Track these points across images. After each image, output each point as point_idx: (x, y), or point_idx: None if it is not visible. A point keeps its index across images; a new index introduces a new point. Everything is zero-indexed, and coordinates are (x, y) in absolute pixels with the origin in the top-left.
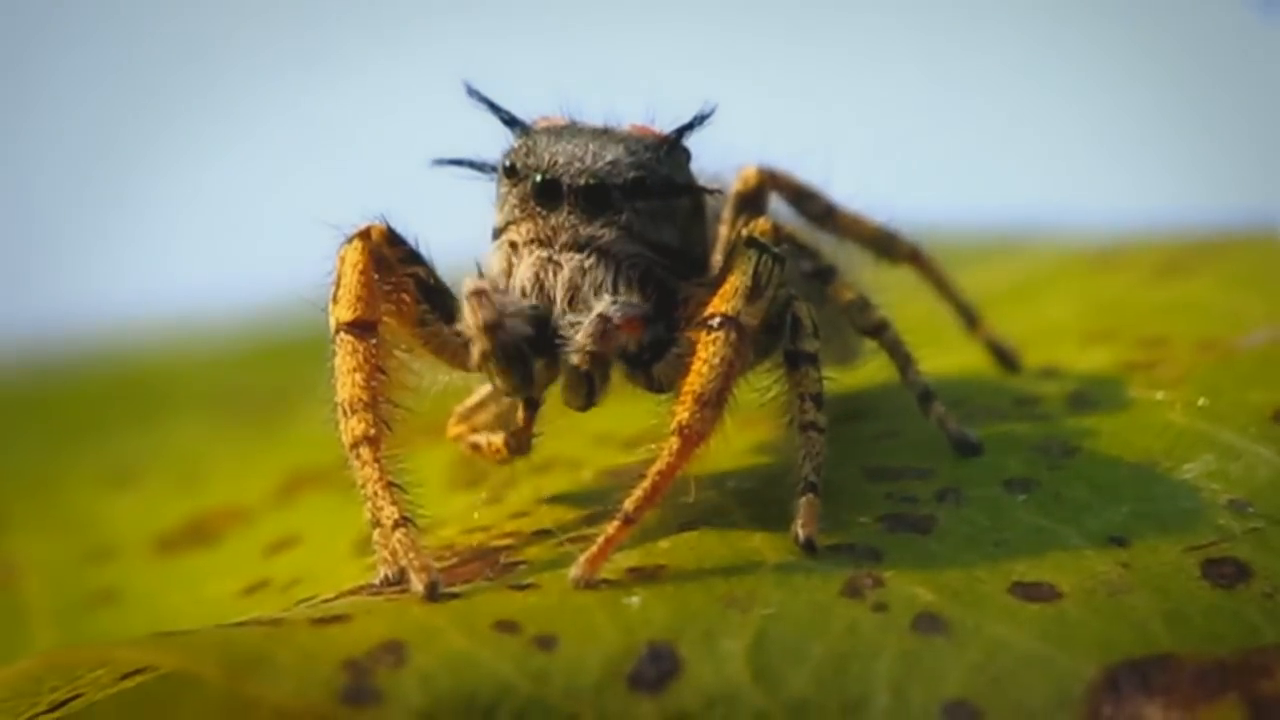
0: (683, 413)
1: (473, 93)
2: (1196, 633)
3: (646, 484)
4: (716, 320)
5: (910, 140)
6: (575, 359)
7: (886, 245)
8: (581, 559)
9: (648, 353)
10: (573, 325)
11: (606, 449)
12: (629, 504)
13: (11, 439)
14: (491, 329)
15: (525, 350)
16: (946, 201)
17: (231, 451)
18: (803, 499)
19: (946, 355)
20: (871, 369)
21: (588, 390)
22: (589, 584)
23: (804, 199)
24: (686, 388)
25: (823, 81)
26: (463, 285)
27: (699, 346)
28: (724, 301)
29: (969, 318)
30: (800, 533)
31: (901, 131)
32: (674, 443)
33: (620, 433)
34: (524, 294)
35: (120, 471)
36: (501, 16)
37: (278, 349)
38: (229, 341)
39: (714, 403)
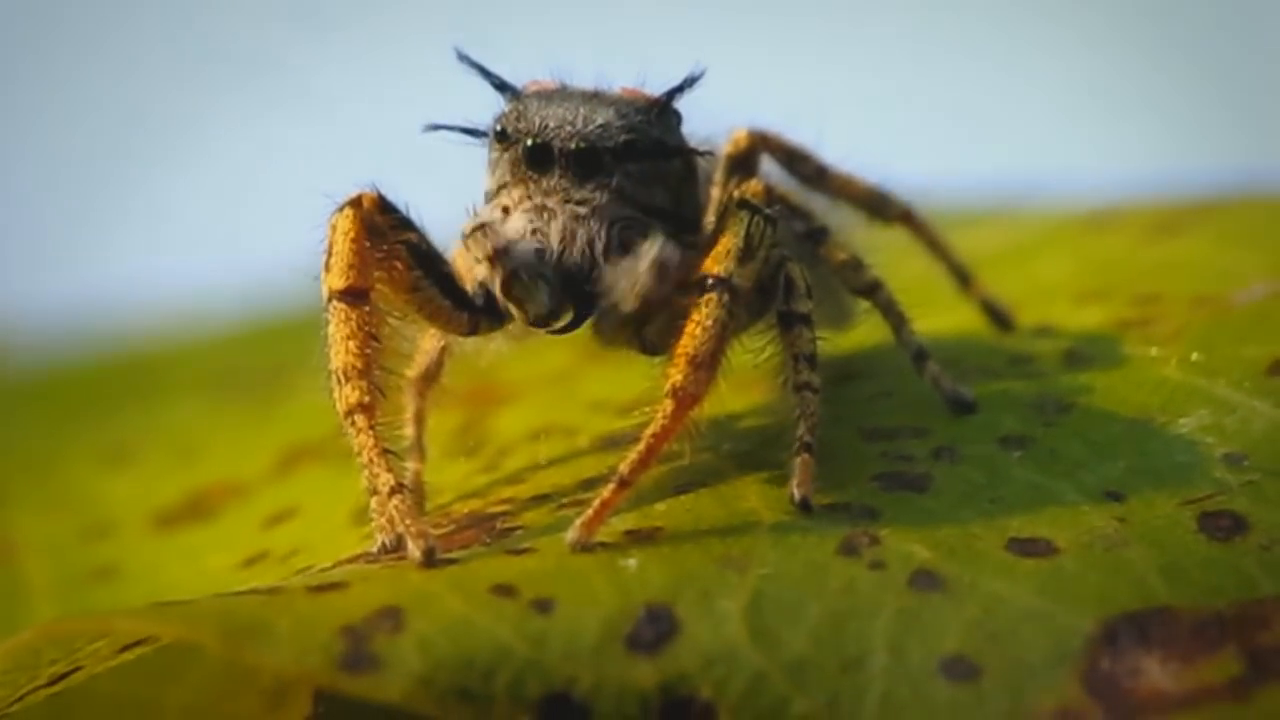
0: (676, 375)
1: (463, 58)
2: (1194, 586)
3: (641, 447)
4: (709, 282)
5: (901, 107)
6: (628, 305)
7: (878, 206)
8: (577, 522)
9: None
10: (610, 273)
11: (602, 415)
12: (624, 467)
13: (11, 419)
14: (502, 254)
15: (544, 273)
16: (938, 168)
17: (228, 428)
18: (798, 459)
19: (941, 315)
20: (868, 330)
21: (637, 328)
22: (585, 547)
23: (795, 160)
24: (680, 350)
25: (816, 49)
26: (461, 230)
27: (692, 309)
28: (716, 263)
29: (962, 277)
30: (796, 492)
31: (892, 98)
32: (668, 405)
33: (615, 399)
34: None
35: (118, 449)
36: None
37: (274, 328)
38: (226, 323)
39: (707, 364)
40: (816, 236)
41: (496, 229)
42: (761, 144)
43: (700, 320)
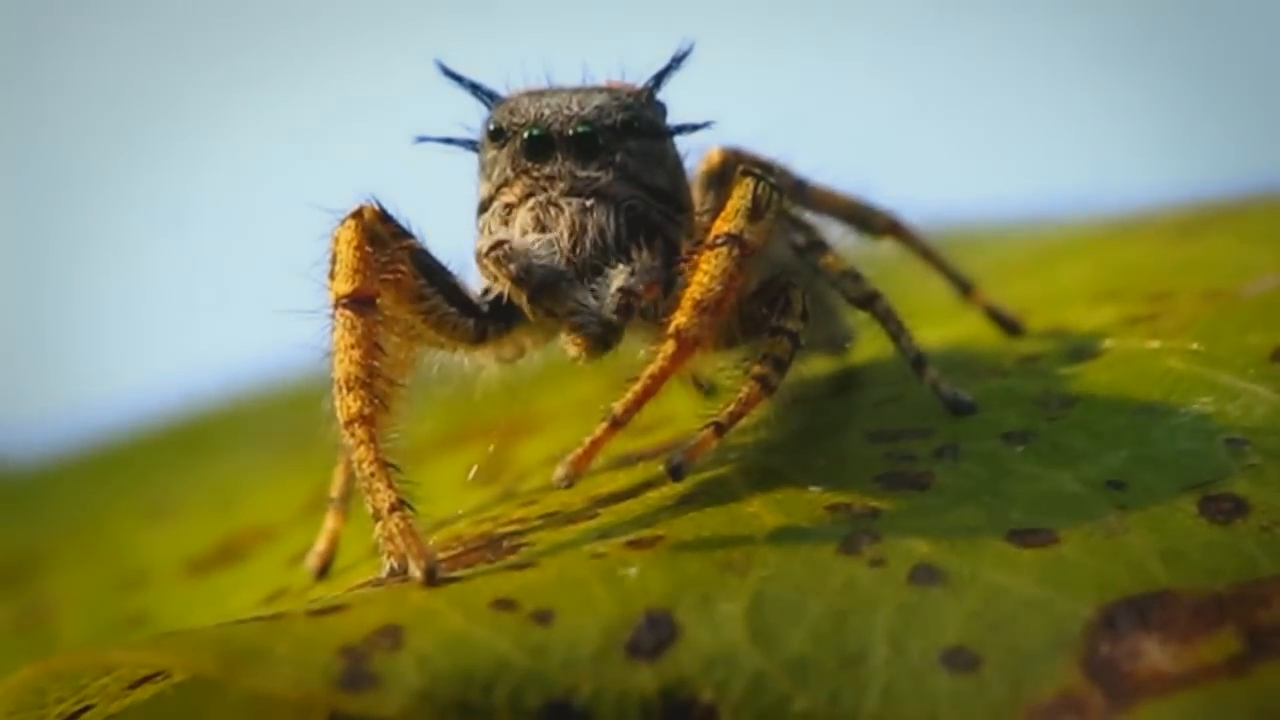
0: (680, 317)
1: (447, 72)
2: (1194, 568)
3: (638, 386)
4: (719, 239)
5: (929, 130)
6: (597, 329)
7: (864, 218)
8: (567, 459)
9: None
10: (593, 293)
11: (621, 436)
12: (618, 406)
13: (61, 489)
14: (524, 276)
15: (566, 276)
16: (968, 190)
17: (265, 478)
18: (702, 431)
19: (955, 323)
20: (884, 342)
21: (604, 349)
22: (571, 484)
23: (772, 174)
24: (686, 295)
25: (845, 77)
26: (477, 250)
27: (700, 260)
28: (726, 222)
29: (962, 285)
30: (674, 458)
31: (919, 121)
32: (669, 346)
33: (636, 422)
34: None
35: (158, 504)
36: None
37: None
38: (272, 385)
39: (712, 310)
40: (816, 248)
41: (514, 247)
42: (734, 160)
43: (708, 270)
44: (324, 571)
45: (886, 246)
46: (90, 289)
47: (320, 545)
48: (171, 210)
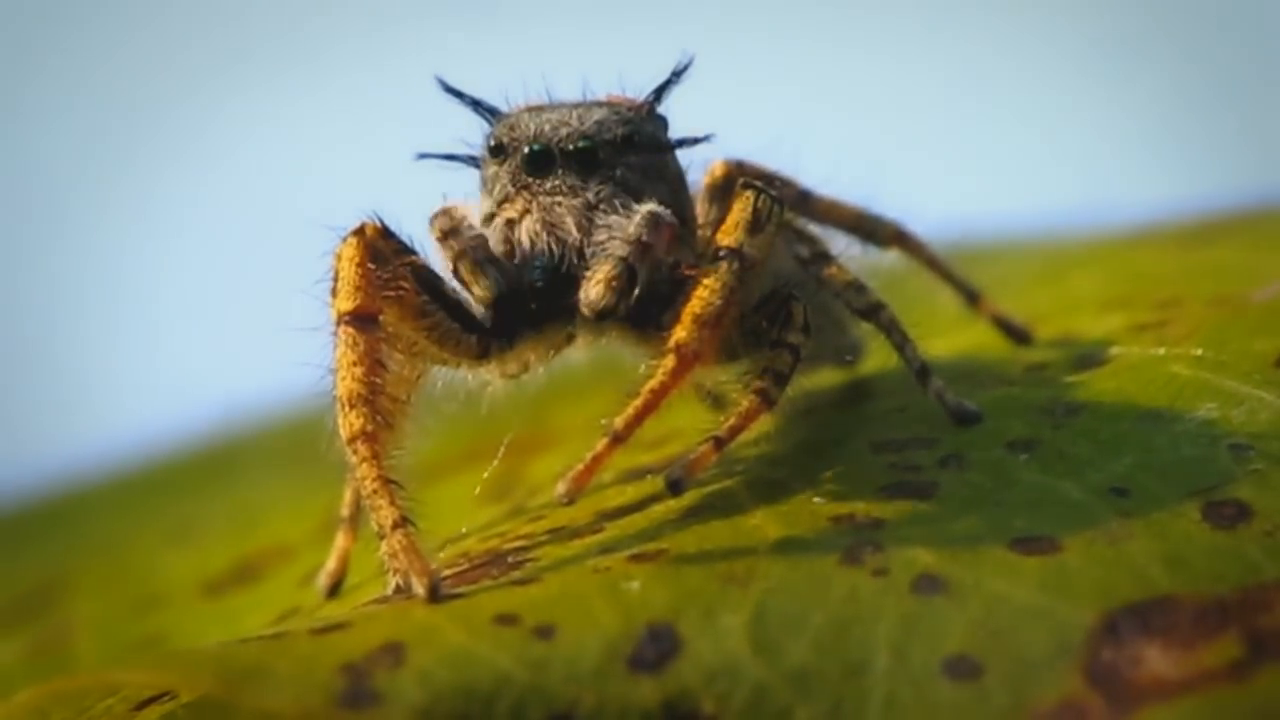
0: (680, 332)
1: (448, 88)
2: (1196, 574)
3: (638, 402)
4: (720, 252)
5: (929, 146)
6: (623, 250)
7: (869, 228)
8: (568, 475)
9: (655, 305)
10: (609, 235)
11: (629, 450)
12: (619, 422)
13: (88, 513)
14: (450, 235)
15: (497, 261)
16: (969, 207)
17: (285, 498)
18: (702, 446)
19: (963, 332)
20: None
21: (628, 284)
22: (572, 500)
23: (775, 187)
24: (686, 310)
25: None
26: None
27: (700, 274)
28: (726, 235)
29: (969, 294)
30: (673, 472)
31: (917, 137)
32: (669, 361)
33: (642, 434)
34: (533, 244)
35: (182, 528)
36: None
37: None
38: (299, 405)
39: (711, 324)
40: (820, 259)
41: (452, 213)
42: (738, 172)
43: (709, 284)
44: (335, 590)
45: (893, 257)
46: (108, 316)
47: (331, 564)
48: (191, 236)
